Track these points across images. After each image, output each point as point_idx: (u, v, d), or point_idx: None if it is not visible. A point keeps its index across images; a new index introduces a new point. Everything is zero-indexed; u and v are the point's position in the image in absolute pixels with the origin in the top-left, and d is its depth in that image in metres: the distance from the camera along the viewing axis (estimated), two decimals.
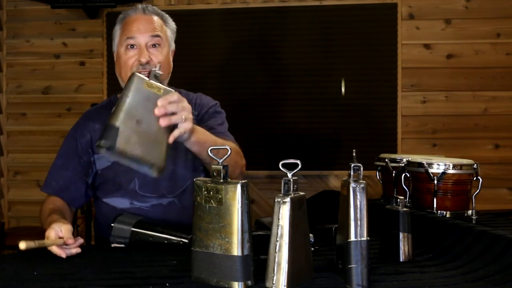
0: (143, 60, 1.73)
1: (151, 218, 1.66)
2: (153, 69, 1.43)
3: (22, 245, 1.13)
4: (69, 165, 1.82)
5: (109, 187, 1.77)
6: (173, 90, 1.42)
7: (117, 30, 1.82)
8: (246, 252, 1.16)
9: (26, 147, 3.91)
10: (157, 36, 1.76)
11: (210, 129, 1.81)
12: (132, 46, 1.75)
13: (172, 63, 1.85)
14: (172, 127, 1.37)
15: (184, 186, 1.78)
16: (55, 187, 1.81)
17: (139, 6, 1.80)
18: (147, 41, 1.75)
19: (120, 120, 1.23)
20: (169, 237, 1.49)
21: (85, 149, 1.81)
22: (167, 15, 1.85)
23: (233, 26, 3.72)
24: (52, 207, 1.75)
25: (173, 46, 1.86)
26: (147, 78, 1.35)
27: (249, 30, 3.73)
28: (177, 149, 1.81)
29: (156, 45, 1.76)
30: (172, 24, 1.84)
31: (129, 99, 1.26)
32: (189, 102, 1.87)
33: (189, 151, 1.80)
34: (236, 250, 1.15)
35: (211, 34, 3.70)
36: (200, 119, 1.86)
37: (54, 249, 1.41)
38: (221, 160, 1.22)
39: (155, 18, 1.79)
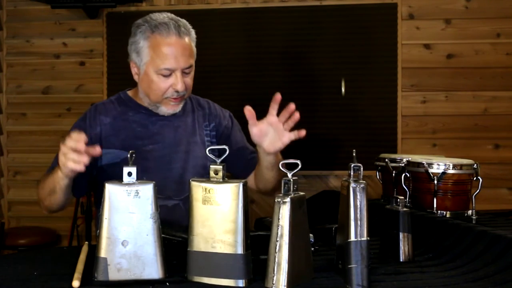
0: (181, 89, 1.73)
1: None
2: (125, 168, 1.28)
3: (76, 283, 1.15)
4: None
5: None
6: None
7: (144, 47, 1.73)
8: (247, 250, 1.16)
9: (26, 147, 3.91)
10: (191, 66, 1.75)
11: (243, 147, 1.91)
12: (167, 75, 1.73)
13: None
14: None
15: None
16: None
17: (171, 24, 1.71)
18: (183, 69, 1.73)
19: (104, 250, 1.21)
20: (169, 237, 1.49)
21: (94, 142, 1.79)
22: (189, 25, 1.78)
23: (233, 26, 3.72)
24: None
25: None
26: (122, 186, 1.24)
27: (249, 30, 3.73)
28: (188, 153, 1.83)
29: (188, 72, 1.76)
30: (194, 33, 1.79)
31: (108, 222, 1.21)
32: (202, 108, 1.94)
33: (198, 157, 1.84)
34: (238, 249, 1.16)
35: (211, 34, 3.69)
36: (222, 132, 1.92)
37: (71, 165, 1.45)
38: (219, 160, 1.21)
39: (187, 40, 1.74)
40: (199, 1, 3.76)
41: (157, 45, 1.71)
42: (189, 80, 1.78)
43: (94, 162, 1.80)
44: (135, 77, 1.82)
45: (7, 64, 3.92)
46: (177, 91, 1.74)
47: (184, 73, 1.74)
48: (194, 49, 1.79)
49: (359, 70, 3.64)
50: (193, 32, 1.79)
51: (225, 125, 1.93)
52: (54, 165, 1.80)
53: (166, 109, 1.80)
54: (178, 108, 1.81)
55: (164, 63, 1.70)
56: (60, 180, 1.59)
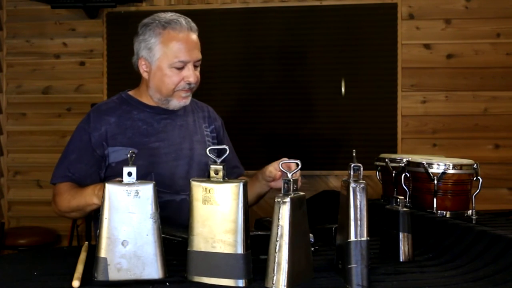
0: (193, 81, 1.80)
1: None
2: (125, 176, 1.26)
3: (76, 283, 1.16)
4: (84, 159, 1.82)
5: None
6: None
7: (156, 43, 1.78)
8: (247, 250, 1.16)
9: (26, 147, 3.91)
10: (200, 59, 1.82)
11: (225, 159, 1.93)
12: (181, 67, 1.79)
13: None
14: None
15: None
16: (72, 178, 1.82)
17: (182, 20, 1.78)
18: (195, 62, 1.80)
19: (104, 250, 1.21)
20: (169, 237, 1.49)
21: (99, 143, 1.82)
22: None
23: (233, 26, 3.72)
24: (77, 186, 1.78)
25: None
26: (122, 186, 1.24)
27: (249, 30, 3.73)
28: (192, 151, 1.88)
29: (197, 66, 1.83)
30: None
31: (108, 222, 1.21)
32: (201, 110, 1.99)
33: (202, 154, 1.90)
34: (238, 249, 1.16)
35: (211, 34, 3.69)
36: (216, 136, 1.98)
37: None
38: (220, 160, 1.22)
39: (196, 34, 1.82)
40: (199, 1, 3.76)
41: (170, 40, 1.77)
42: (198, 73, 1.84)
43: (101, 163, 1.82)
44: (144, 75, 1.85)
45: (7, 64, 3.92)
46: (189, 83, 1.80)
47: (194, 66, 1.81)
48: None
49: (359, 70, 3.64)
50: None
51: (218, 132, 2.01)
52: (62, 172, 1.83)
53: (177, 102, 1.84)
54: (188, 101, 1.86)
55: (177, 56, 1.76)
56: (93, 206, 1.67)
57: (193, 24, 1.81)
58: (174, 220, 1.73)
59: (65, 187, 1.80)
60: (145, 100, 1.89)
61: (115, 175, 1.78)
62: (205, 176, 1.85)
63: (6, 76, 3.92)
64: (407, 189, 1.75)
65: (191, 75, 1.78)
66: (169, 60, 1.77)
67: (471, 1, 3.62)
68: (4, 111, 3.92)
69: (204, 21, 3.69)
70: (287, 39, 3.69)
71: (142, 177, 1.74)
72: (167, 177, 1.79)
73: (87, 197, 1.65)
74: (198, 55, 1.80)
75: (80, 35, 3.87)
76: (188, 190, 1.79)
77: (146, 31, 1.80)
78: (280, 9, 3.70)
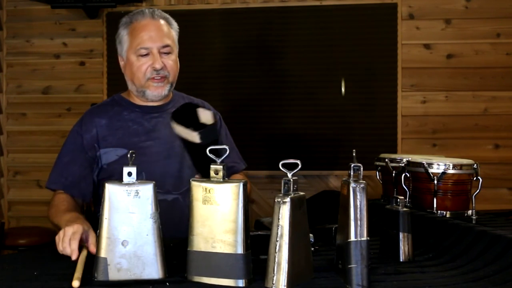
0: (158, 66, 1.80)
1: None
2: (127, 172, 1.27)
3: (76, 283, 1.15)
4: (77, 161, 1.83)
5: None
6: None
7: (124, 35, 1.86)
8: (247, 250, 1.16)
9: (26, 147, 3.91)
10: (168, 45, 1.82)
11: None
12: (145, 54, 1.80)
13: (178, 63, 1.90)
14: None
15: (188, 185, 1.80)
16: (65, 183, 1.82)
17: (146, 10, 1.83)
18: (159, 48, 1.81)
19: (104, 250, 1.21)
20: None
21: (90, 144, 1.84)
22: (170, 17, 1.89)
23: (233, 26, 3.72)
24: (67, 205, 1.74)
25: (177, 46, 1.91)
26: (122, 186, 1.24)
27: (249, 30, 3.72)
28: (185, 149, 1.85)
29: (167, 53, 1.83)
30: (175, 25, 1.89)
31: (108, 222, 1.21)
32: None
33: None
34: (238, 249, 1.16)
35: (211, 34, 3.70)
36: None
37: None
38: (220, 160, 1.22)
39: (163, 22, 1.84)
40: (199, 1, 3.76)
41: (134, 30, 1.83)
42: (171, 62, 1.84)
43: (93, 165, 1.82)
44: (123, 70, 1.90)
45: (7, 64, 3.92)
46: (156, 70, 1.80)
47: (162, 53, 1.82)
48: (173, 35, 1.87)
49: (359, 70, 3.64)
50: (175, 24, 1.89)
51: None
52: (55, 177, 1.83)
53: (151, 93, 1.85)
54: (163, 91, 1.85)
55: (140, 43, 1.80)
56: None
57: (158, 14, 1.84)
58: (165, 220, 1.73)
59: (57, 200, 1.77)
60: (135, 100, 1.91)
61: (108, 177, 1.78)
62: (198, 173, 1.85)
63: (6, 76, 3.92)
64: (407, 189, 1.75)
65: (156, 60, 1.79)
66: (134, 49, 1.81)
67: (471, 1, 3.62)
68: (4, 111, 3.92)
69: (204, 21, 3.72)
70: (287, 39, 3.69)
71: None
72: (158, 176, 1.77)
73: (62, 223, 1.61)
74: (162, 40, 1.81)
75: (80, 35, 3.87)
76: (180, 189, 1.82)
77: (119, 27, 1.87)
78: (280, 9, 3.70)
